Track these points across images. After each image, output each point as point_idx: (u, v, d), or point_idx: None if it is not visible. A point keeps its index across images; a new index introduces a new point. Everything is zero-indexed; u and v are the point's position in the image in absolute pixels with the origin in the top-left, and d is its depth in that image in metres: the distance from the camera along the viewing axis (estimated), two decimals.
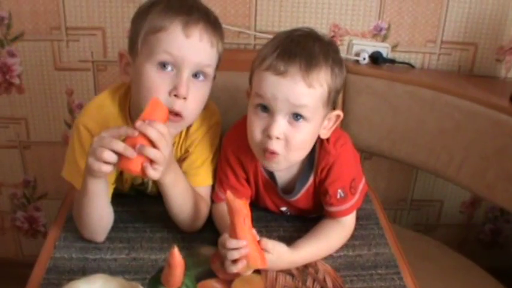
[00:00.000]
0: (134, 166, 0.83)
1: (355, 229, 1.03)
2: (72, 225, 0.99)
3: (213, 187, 1.05)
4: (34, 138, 1.56)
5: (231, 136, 1.04)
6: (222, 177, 1.04)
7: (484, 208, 1.71)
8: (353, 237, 1.02)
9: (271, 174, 1.03)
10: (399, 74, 1.39)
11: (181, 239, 1.00)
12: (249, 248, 0.84)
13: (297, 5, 1.40)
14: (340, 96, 1.18)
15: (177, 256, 0.69)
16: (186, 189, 0.97)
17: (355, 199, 1.01)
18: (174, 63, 0.92)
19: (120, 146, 0.82)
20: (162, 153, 0.83)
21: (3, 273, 1.52)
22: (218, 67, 0.99)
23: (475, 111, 1.27)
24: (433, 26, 1.43)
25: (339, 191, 0.99)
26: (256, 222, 0.88)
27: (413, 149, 1.38)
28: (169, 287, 0.71)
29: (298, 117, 0.90)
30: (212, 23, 0.95)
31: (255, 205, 1.06)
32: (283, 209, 1.08)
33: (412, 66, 1.46)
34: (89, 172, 0.86)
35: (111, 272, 0.90)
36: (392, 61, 1.43)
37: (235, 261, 0.85)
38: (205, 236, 1.01)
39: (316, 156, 1.00)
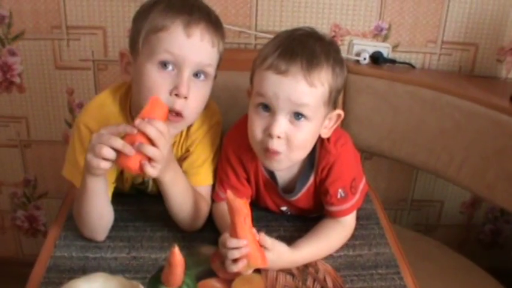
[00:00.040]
0: (132, 164, 0.83)
1: (356, 229, 1.03)
2: (73, 224, 0.99)
3: (213, 186, 1.05)
4: (34, 137, 1.56)
5: (232, 135, 1.04)
6: (223, 177, 1.04)
7: (484, 208, 1.71)
8: (353, 237, 1.02)
9: (271, 174, 1.03)
10: (400, 74, 1.39)
11: (182, 238, 1.00)
12: (250, 248, 0.84)
13: (297, 5, 1.40)
14: (341, 96, 1.18)
15: (177, 255, 0.69)
16: (185, 188, 0.97)
17: (356, 199, 1.01)
18: (175, 62, 0.92)
19: (118, 143, 0.81)
20: (161, 151, 0.83)
21: (4, 272, 1.52)
22: (219, 67, 0.99)
23: (476, 112, 1.27)
24: (434, 26, 1.43)
25: (340, 190, 0.99)
26: (256, 221, 0.87)
27: (413, 149, 1.38)
28: (170, 286, 0.71)
29: (300, 117, 0.90)
30: (213, 23, 0.95)
31: (256, 205, 1.06)
32: (284, 208, 1.08)
33: (412, 66, 1.45)
34: (88, 169, 0.86)
35: (112, 271, 0.90)
36: (392, 61, 1.43)
37: (235, 261, 0.85)
38: (206, 235, 1.01)
39: (317, 156, 1.00)
